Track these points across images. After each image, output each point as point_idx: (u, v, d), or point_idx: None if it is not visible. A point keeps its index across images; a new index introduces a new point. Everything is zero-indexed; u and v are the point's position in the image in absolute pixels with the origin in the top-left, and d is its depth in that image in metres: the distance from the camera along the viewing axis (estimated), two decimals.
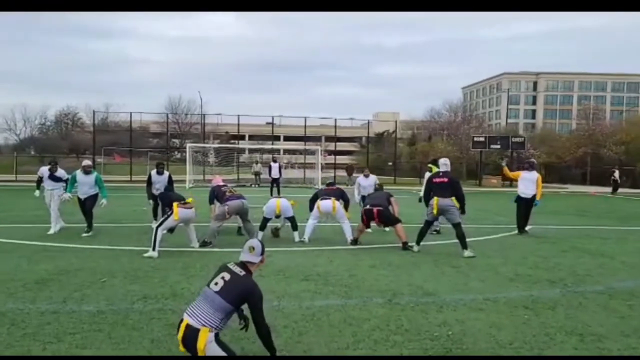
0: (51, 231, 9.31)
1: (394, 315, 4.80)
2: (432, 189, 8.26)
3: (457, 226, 8.01)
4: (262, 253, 3.59)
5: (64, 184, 9.86)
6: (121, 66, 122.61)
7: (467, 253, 7.78)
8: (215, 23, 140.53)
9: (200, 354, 3.18)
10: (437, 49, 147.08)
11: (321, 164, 29.75)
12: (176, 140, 47.57)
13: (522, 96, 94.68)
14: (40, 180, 10.32)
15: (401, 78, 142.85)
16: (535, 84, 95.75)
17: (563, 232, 11.03)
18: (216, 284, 3.37)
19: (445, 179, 8.17)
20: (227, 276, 3.38)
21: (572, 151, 39.16)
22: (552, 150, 40.90)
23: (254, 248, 3.56)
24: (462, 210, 8.14)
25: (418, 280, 6.20)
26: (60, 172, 10.09)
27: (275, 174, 21.52)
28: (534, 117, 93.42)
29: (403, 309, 5.02)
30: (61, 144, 52.82)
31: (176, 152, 41.02)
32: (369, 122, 36.57)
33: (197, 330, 3.21)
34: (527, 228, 10.62)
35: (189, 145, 29.37)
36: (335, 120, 32.01)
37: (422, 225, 8.44)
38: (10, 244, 8.21)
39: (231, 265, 3.50)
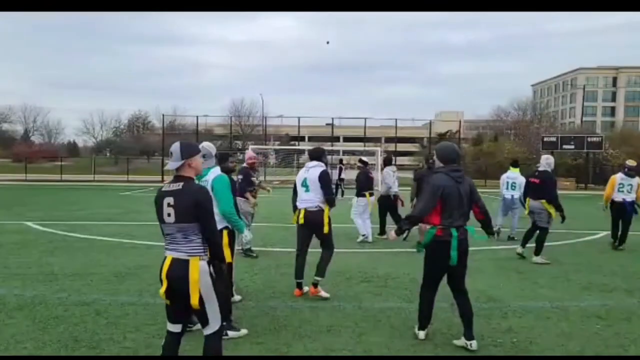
0: None
1: (456, 319, 4.71)
2: (527, 189, 8.07)
3: (541, 230, 7.71)
4: (183, 157, 2.99)
5: None
6: (188, 71, 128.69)
7: (537, 259, 7.51)
8: (276, 26, 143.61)
9: (194, 285, 2.86)
10: (504, 45, 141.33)
11: (381, 165, 29.49)
12: (239, 142, 49.13)
13: (600, 92, 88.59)
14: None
15: (465, 76, 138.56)
16: (614, 79, 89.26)
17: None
18: (169, 215, 2.92)
19: (537, 180, 7.73)
20: (171, 201, 2.92)
21: None
22: (634, 151, 37.80)
23: (172, 153, 3.05)
24: (561, 216, 7.53)
25: (481, 285, 6.03)
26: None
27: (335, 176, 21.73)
28: (613, 114, 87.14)
29: None
30: (134, 145, 56.12)
31: (238, 154, 42.34)
32: (430, 122, 35.75)
33: (186, 261, 2.89)
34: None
35: (251, 147, 30.21)
36: (396, 120, 31.76)
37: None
38: (90, 240, 8.91)
39: (165, 187, 3.02)
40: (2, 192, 21.75)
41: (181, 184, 2.96)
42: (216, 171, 4.25)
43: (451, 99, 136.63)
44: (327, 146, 38.44)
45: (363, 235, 9.11)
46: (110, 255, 7.54)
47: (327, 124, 42.72)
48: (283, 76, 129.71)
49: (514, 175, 9.94)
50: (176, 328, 3.02)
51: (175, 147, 3.03)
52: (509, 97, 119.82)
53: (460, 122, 35.99)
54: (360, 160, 9.78)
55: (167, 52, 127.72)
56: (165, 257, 2.96)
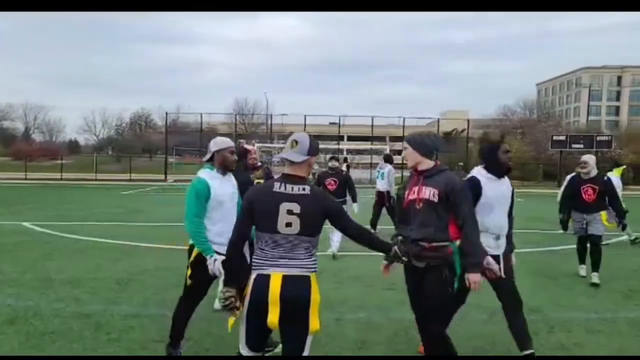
0: None
1: (499, 334, 4.22)
2: None
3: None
4: (310, 153, 2.48)
5: None
6: (190, 70, 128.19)
7: (595, 279, 6.16)
8: (278, 26, 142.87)
9: (315, 306, 2.39)
10: (508, 44, 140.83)
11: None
12: (243, 141, 48.70)
13: (605, 92, 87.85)
14: None
15: (470, 75, 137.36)
16: (619, 78, 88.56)
17: None
18: (289, 224, 2.38)
19: None
20: (295, 208, 2.39)
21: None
22: None
23: (297, 142, 2.47)
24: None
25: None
26: None
27: None
28: (617, 114, 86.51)
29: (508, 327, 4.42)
30: (136, 144, 55.73)
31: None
32: (438, 121, 35.25)
33: (307, 278, 2.39)
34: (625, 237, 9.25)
35: (257, 145, 29.79)
36: (404, 119, 31.33)
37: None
38: (91, 242, 8.42)
39: (281, 189, 2.42)
40: (1, 191, 21.29)
41: (306, 187, 2.43)
42: (200, 172, 3.50)
43: (454, 98, 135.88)
44: (332, 145, 38.15)
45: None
46: (111, 258, 7.05)
47: (330, 123, 42.22)
48: (284, 75, 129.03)
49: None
50: (257, 354, 2.52)
51: (304, 138, 2.51)
52: (515, 96, 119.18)
53: (468, 120, 35.40)
54: (336, 159, 8.20)
55: (169, 51, 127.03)
56: (265, 275, 2.38)
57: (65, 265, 6.57)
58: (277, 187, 2.42)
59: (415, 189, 3.05)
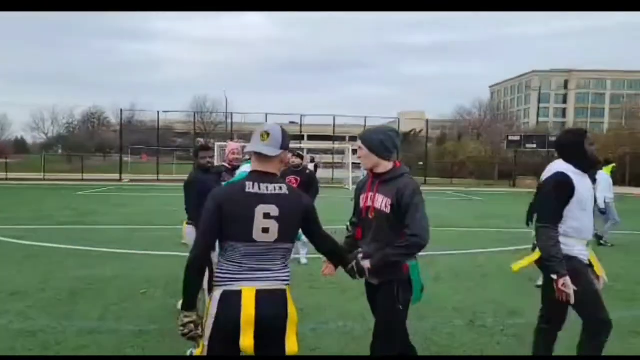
0: None
1: (484, 341, 4.07)
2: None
3: None
4: (283, 146, 2.17)
5: None
6: (148, 67, 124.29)
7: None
8: (242, 23, 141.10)
9: (293, 324, 2.09)
10: (463, 46, 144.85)
11: (352, 163, 29.08)
12: (201, 140, 47.47)
13: (553, 94, 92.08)
14: None
15: (427, 76, 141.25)
16: (566, 81, 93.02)
17: (634, 239, 9.86)
18: (266, 230, 2.07)
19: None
20: (272, 210, 2.08)
21: (612, 150, 37.37)
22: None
23: (268, 134, 2.15)
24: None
25: (496, 295, 5.43)
26: None
27: None
28: (564, 116, 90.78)
29: (492, 333, 4.27)
30: (88, 142, 53.32)
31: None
32: (398, 121, 35.58)
33: (283, 292, 2.11)
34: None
35: (216, 144, 29.04)
36: (365, 118, 31.38)
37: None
38: (40, 248, 7.75)
39: (254, 189, 2.09)
40: None
41: (283, 186, 2.13)
42: (245, 167, 3.18)
43: (411, 98, 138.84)
44: (294, 144, 37.67)
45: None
46: (62, 266, 6.45)
47: (290, 122, 41.81)
48: (248, 74, 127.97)
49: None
50: None
51: (277, 129, 2.19)
52: (471, 98, 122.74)
53: (427, 121, 35.94)
54: (300, 156, 7.35)
55: (126, 47, 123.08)
56: (234, 292, 2.03)
57: (10, 274, 5.95)
58: (249, 187, 2.09)
59: (370, 195, 2.68)
